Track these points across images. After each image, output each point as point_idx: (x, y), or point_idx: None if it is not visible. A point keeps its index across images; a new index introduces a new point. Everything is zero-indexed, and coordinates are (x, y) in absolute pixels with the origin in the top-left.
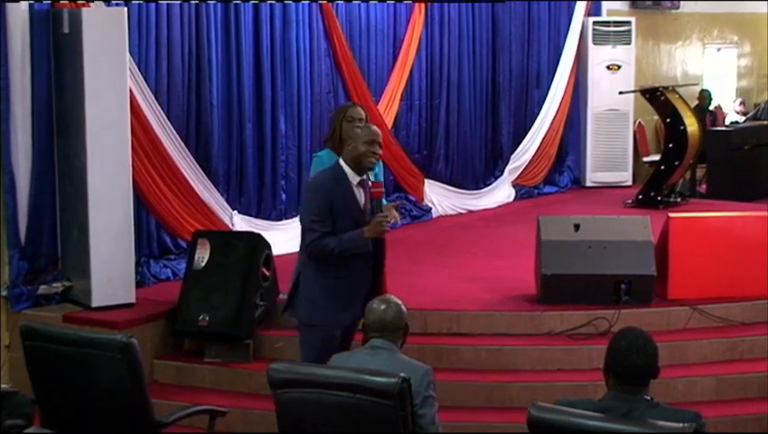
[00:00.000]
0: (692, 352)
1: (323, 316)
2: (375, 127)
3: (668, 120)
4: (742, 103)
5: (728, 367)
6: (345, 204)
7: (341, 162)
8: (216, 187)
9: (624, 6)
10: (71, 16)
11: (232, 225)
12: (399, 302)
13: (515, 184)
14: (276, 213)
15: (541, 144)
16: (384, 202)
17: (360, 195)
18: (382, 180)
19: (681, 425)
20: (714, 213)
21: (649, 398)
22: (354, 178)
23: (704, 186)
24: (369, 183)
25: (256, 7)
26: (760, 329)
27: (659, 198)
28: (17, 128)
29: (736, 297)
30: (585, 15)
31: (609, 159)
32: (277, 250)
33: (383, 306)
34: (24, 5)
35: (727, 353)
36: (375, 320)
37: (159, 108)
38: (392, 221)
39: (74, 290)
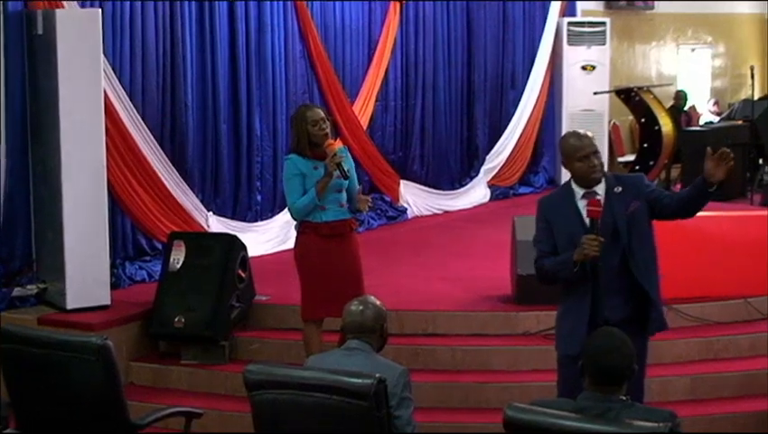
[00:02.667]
0: (667, 351)
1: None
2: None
3: (642, 120)
4: (716, 103)
5: (703, 366)
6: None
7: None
8: (191, 188)
9: (599, 7)
10: (45, 17)
11: (208, 226)
12: (378, 303)
13: (490, 185)
14: (251, 215)
15: (517, 144)
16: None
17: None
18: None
19: (656, 424)
20: None
21: (624, 398)
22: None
23: (679, 186)
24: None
25: (231, 8)
26: (735, 329)
27: None
28: None
29: (711, 296)
30: (559, 16)
31: None
32: (253, 251)
33: (361, 308)
34: None
35: (702, 352)
36: (352, 321)
37: (134, 110)
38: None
39: (49, 292)
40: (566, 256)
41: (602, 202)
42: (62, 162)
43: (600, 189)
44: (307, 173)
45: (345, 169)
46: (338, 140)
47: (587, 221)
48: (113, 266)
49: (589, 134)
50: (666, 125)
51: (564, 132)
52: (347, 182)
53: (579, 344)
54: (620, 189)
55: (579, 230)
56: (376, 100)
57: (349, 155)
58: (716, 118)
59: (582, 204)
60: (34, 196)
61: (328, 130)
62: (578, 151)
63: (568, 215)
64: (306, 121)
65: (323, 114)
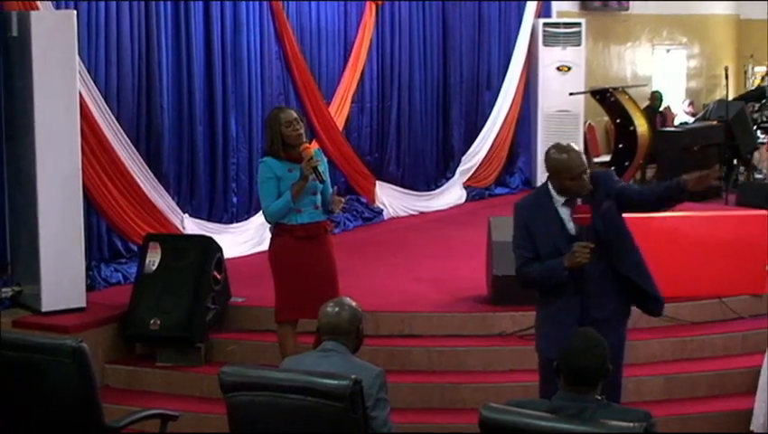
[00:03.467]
0: (642, 351)
1: None
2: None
3: (618, 121)
4: (690, 104)
5: (678, 366)
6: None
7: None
8: (167, 190)
9: (574, 8)
10: (20, 19)
11: (183, 228)
12: (354, 305)
13: (466, 186)
14: (227, 216)
15: (492, 145)
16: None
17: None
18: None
19: (631, 424)
20: (664, 213)
21: (599, 398)
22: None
23: None
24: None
25: (206, 9)
26: (709, 328)
27: None
28: None
29: (686, 296)
30: (535, 17)
31: None
32: (229, 253)
33: (336, 309)
34: None
35: (677, 352)
36: (327, 323)
37: (109, 112)
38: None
39: (24, 295)
40: (555, 263)
41: (590, 209)
42: (37, 164)
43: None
44: (282, 175)
45: (321, 172)
46: (314, 142)
47: (570, 227)
48: (88, 268)
49: (575, 146)
50: (641, 125)
51: (539, 133)
52: (322, 184)
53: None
54: (595, 193)
55: (562, 236)
56: (352, 102)
57: (324, 157)
58: (690, 119)
59: (564, 211)
60: (9, 198)
61: (302, 131)
62: (570, 171)
63: (549, 222)
64: (280, 123)
65: (296, 115)
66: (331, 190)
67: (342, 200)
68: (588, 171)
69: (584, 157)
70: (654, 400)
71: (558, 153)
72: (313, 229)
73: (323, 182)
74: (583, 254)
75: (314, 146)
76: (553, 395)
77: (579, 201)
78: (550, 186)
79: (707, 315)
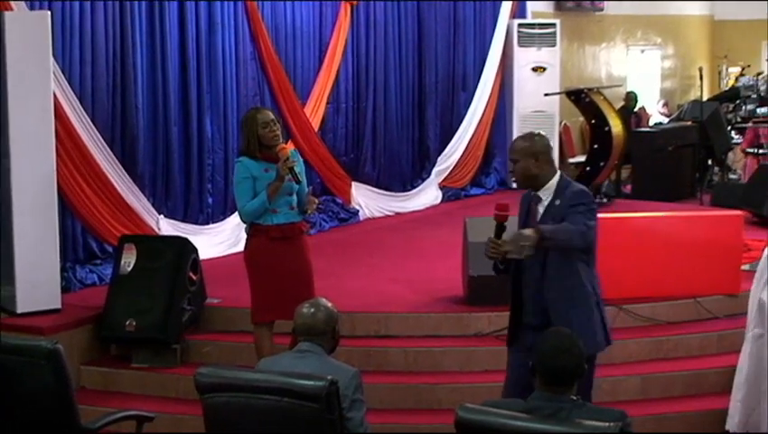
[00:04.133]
0: (618, 351)
1: None
2: None
3: (593, 122)
4: (665, 104)
5: (654, 366)
6: None
7: None
8: (142, 191)
9: (549, 8)
10: None
11: (159, 229)
12: (330, 305)
13: (442, 186)
14: (202, 217)
15: (468, 145)
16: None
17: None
18: (305, 180)
19: (607, 424)
20: (639, 214)
21: (575, 398)
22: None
23: (629, 187)
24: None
25: (181, 9)
26: (685, 328)
27: None
28: None
29: (661, 296)
30: (510, 17)
31: None
32: (204, 254)
33: (312, 310)
34: None
35: (653, 352)
36: (303, 323)
37: (83, 112)
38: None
39: None
40: None
41: (508, 207)
42: (12, 165)
43: (546, 194)
44: (258, 175)
45: (297, 173)
46: (290, 142)
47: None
48: (63, 269)
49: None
50: (616, 126)
51: (515, 133)
52: (298, 185)
53: (512, 339)
54: (558, 202)
55: (522, 227)
56: (327, 102)
57: (300, 157)
58: (665, 119)
59: (535, 205)
60: None
61: (279, 132)
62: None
63: (522, 213)
64: (257, 123)
65: (273, 116)
66: (306, 190)
67: (316, 201)
68: (518, 161)
69: (520, 144)
70: (630, 399)
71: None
72: (289, 229)
73: (299, 183)
74: (489, 250)
75: (290, 146)
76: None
77: (543, 201)
78: None
79: (683, 315)
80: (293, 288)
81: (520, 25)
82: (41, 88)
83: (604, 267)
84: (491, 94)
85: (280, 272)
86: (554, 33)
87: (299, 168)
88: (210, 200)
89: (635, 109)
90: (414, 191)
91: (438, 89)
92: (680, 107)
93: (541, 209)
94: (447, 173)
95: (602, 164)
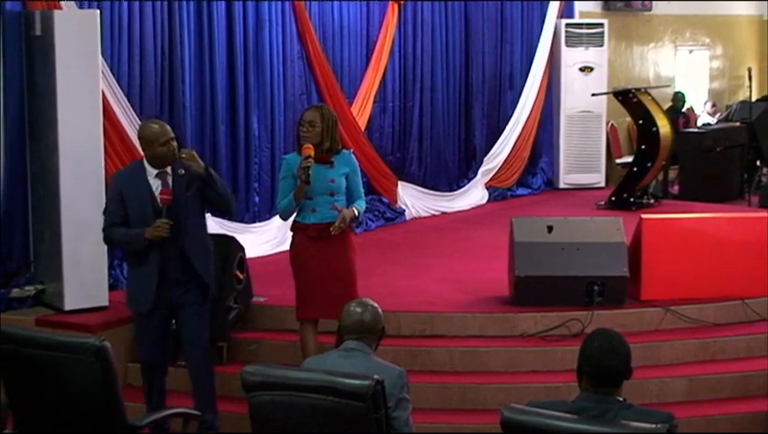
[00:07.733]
0: (665, 352)
1: None
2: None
3: (640, 122)
4: (713, 105)
5: (701, 368)
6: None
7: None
8: None
9: (597, 8)
10: (44, 18)
11: None
12: (376, 305)
13: (488, 186)
14: (249, 216)
15: (514, 146)
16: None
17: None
18: (359, 180)
19: (654, 426)
20: (686, 215)
21: (622, 399)
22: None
23: (676, 188)
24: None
25: (229, 8)
26: (732, 330)
27: (631, 199)
28: None
29: (709, 297)
30: (557, 17)
31: (582, 161)
32: (251, 252)
33: (360, 309)
34: None
35: (700, 353)
36: (352, 322)
37: (131, 110)
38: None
39: (47, 293)
40: (139, 231)
41: (171, 190)
42: (60, 162)
43: (169, 168)
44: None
45: (309, 175)
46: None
47: (160, 199)
48: (111, 267)
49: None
50: (663, 126)
51: (562, 133)
52: (337, 186)
53: (149, 303)
54: (182, 171)
55: (149, 206)
56: (374, 102)
57: (354, 159)
58: (713, 120)
59: (154, 183)
60: (32, 197)
61: (310, 133)
62: (159, 137)
63: (141, 192)
64: (300, 122)
65: (312, 117)
66: (359, 192)
67: (341, 224)
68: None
69: (168, 128)
70: (677, 401)
71: (148, 126)
72: (326, 229)
73: (307, 184)
74: (163, 230)
75: (349, 147)
76: (146, 345)
77: (170, 181)
78: (145, 161)
79: (730, 316)
80: (331, 287)
81: (568, 25)
82: (89, 86)
83: (650, 268)
84: (537, 94)
85: (317, 271)
86: (602, 33)
87: (348, 168)
88: (256, 198)
89: (683, 110)
90: (460, 191)
91: (485, 88)
92: (729, 107)
93: None
94: (493, 173)
95: (649, 164)
